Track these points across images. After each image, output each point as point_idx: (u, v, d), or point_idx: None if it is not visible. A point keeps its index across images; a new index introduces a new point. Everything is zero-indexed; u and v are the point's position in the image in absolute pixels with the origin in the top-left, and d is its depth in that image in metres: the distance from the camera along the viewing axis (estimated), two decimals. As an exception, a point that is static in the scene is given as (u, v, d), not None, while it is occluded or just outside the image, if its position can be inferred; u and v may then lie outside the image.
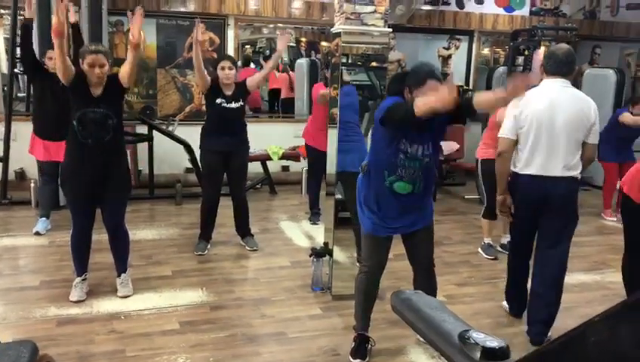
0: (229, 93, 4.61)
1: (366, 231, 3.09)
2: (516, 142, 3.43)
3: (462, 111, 2.72)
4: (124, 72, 3.64)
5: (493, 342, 0.78)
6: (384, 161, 2.92)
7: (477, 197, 6.61)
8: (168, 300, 3.87)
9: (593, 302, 4.13)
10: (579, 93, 3.42)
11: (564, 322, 3.55)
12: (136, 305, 3.76)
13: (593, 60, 8.72)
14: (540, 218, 3.43)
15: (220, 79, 4.60)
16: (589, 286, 4.38)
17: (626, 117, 6.16)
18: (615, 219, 6.32)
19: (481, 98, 2.66)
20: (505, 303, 3.89)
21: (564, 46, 3.50)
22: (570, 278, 4.26)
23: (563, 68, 3.33)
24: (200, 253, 4.75)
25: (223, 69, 4.59)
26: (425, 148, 2.89)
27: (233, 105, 4.62)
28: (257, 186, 7.10)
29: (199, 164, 5.26)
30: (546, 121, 3.29)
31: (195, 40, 4.49)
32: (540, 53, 6.88)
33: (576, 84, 4.64)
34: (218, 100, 4.59)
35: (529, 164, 3.36)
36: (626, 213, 3.52)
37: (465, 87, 8.25)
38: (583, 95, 3.43)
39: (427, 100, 2.58)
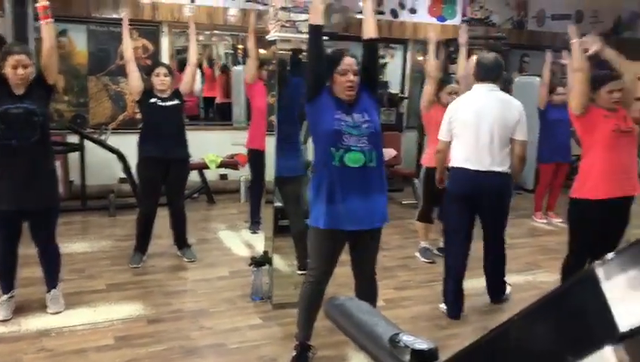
0: (164, 95, 4.53)
1: (315, 224, 2.94)
2: (449, 143, 3.86)
3: (367, 46, 3.01)
4: (45, 54, 3.45)
5: (422, 345, 0.78)
6: (327, 135, 2.85)
7: (414, 202, 6.73)
8: (103, 315, 3.74)
9: (527, 301, 4.21)
10: (504, 96, 3.81)
11: (499, 322, 3.65)
12: (68, 321, 3.61)
13: (522, 68, 9.06)
14: (473, 209, 3.80)
15: (154, 86, 4.50)
16: (522, 286, 4.52)
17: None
18: (545, 221, 6.58)
19: (365, 20, 3.02)
20: (442, 305, 3.97)
21: (491, 55, 3.93)
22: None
23: (491, 74, 3.76)
24: (135, 265, 4.61)
25: (158, 75, 4.50)
26: (361, 115, 2.89)
27: (169, 103, 4.52)
28: (195, 196, 6.98)
29: (134, 174, 5.13)
30: (474, 121, 3.69)
31: (124, 24, 4.41)
32: (472, 60, 7.09)
33: (508, 91, 4.82)
34: (152, 100, 4.48)
35: (461, 159, 3.75)
36: (577, 218, 3.66)
37: (400, 95, 8.40)
38: (508, 97, 3.84)
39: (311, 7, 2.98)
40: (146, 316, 3.76)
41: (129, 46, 4.51)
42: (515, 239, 5.68)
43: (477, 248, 4.13)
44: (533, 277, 4.77)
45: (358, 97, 2.93)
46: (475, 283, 4.42)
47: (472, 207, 3.79)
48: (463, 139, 3.74)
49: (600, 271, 0.56)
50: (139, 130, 4.73)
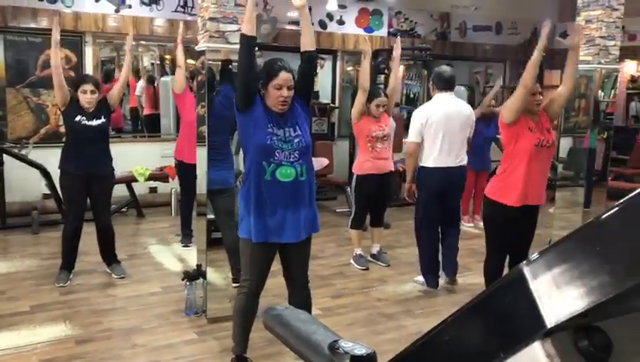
0: (90, 111, 4.37)
1: (246, 236, 2.94)
2: (420, 144, 4.39)
3: (305, 58, 3.06)
4: None
5: (361, 350, 0.79)
6: (259, 150, 2.84)
7: (348, 210, 6.80)
8: (27, 338, 3.56)
9: (458, 303, 4.29)
10: (461, 102, 4.55)
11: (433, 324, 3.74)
12: (-12, 347, 3.42)
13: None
14: (442, 198, 4.41)
15: (80, 102, 4.34)
16: (453, 288, 4.65)
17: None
18: (472, 225, 6.78)
19: (303, 33, 3.08)
20: (420, 278, 4.58)
21: (447, 68, 4.53)
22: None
23: (449, 84, 4.41)
24: (62, 284, 4.42)
25: (84, 92, 4.33)
26: (293, 129, 2.91)
27: (94, 122, 4.37)
28: (123, 210, 6.77)
29: (58, 189, 4.93)
30: (444, 126, 4.31)
31: (53, 28, 4.26)
32: (400, 71, 7.26)
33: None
34: (77, 118, 4.32)
35: (433, 159, 4.34)
36: (493, 219, 3.87)
37: (331, 104, 8.49)
38: (464, 103, 4.57)
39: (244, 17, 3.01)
40: (73, 336, 3.61)
41: (57, 53, 4.30)
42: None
43: (412, 253, 4.23)
44: (463, 279, 4.90)
45: (290, 109, 2.94)
46: (407, 288, 4.52)
47: (441, 198, 4.40)
48: (436, 141, 4.31)
49: (527, 271, 0.58)
50: (63, 143, 4.55)
